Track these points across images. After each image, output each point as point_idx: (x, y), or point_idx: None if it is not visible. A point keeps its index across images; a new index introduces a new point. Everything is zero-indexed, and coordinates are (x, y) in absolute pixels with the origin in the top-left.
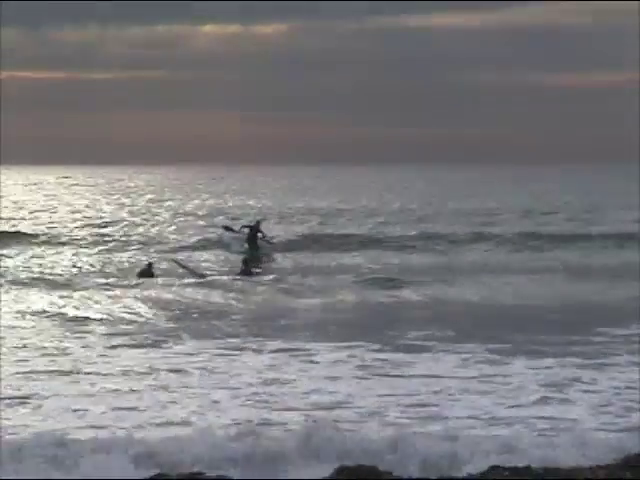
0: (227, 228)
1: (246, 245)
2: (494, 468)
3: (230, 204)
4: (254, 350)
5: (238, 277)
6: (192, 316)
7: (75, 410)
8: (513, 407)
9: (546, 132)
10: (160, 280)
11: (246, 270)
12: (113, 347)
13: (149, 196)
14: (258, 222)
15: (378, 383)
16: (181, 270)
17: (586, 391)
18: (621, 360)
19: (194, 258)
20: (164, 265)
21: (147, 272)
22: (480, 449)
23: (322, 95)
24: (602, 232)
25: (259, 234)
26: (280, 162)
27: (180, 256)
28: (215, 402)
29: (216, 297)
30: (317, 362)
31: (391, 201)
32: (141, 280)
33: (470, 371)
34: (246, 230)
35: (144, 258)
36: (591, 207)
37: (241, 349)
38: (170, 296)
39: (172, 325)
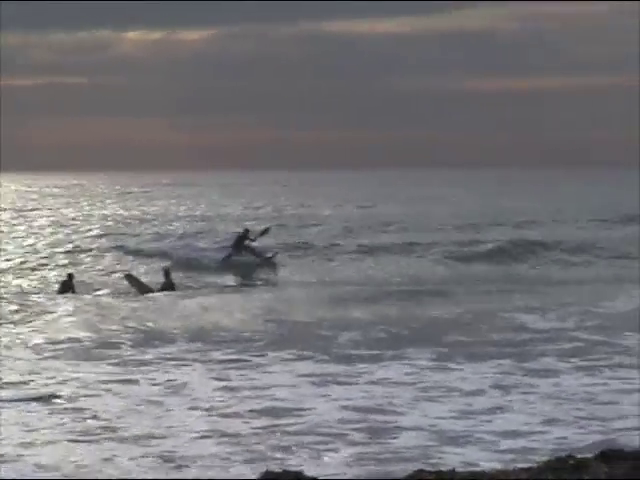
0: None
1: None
2: (419, 472)
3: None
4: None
5: (159, 292)
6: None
7: None
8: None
9: (472, 136)
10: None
11: (166, 284)
12: None
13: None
14: (246, 230)
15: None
16: (131, 286)
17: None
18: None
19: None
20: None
21: (68, 285)
22: (407, 455)
23: (247, 100)
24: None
25: (247, 242)
26: (206, 167)
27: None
28: None
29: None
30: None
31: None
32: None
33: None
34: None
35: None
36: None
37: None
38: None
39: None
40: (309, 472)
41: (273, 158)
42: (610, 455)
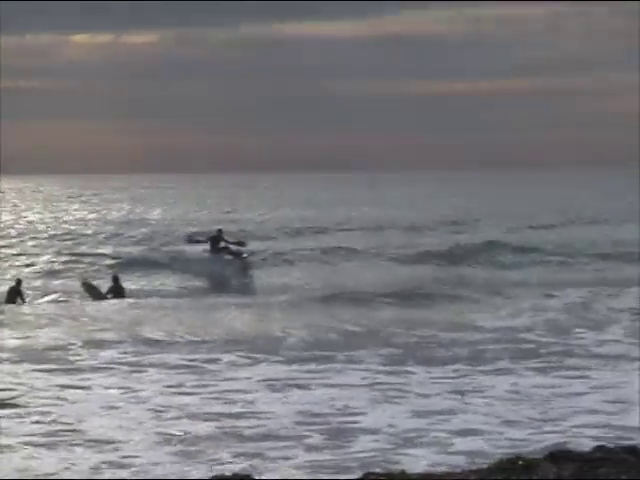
0: (191, 239)
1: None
2: (369, 474)
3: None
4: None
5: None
6: None
7: None
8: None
9: (416, 139)
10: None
11: (113, 289)
12: None
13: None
14: (220, 230)
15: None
16: (87, 293)
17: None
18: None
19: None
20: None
21: (16, 292)
22: (363, 458)
23: (194, 104)
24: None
25: (222, 243)
26: (150, 170)
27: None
28: None
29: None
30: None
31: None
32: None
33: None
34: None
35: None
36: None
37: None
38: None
39: None
40: (262, 476)
41: (218, 162)
42: (559, 456)
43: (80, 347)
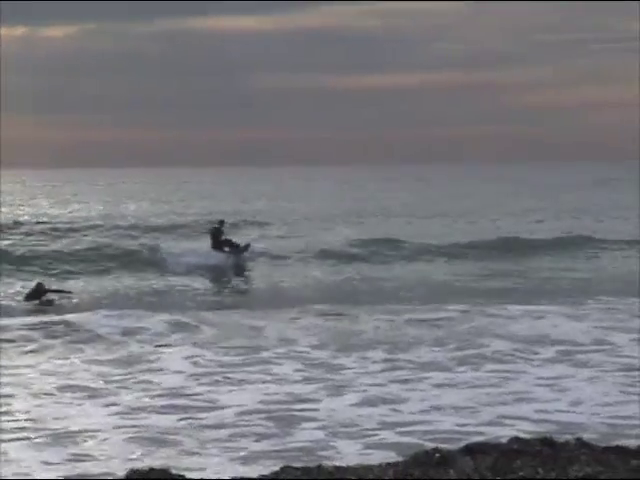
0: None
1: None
2: (285, 468)
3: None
4: None
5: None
6: None
7: None
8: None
9: (334, 133)
10: None
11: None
12: None
13: None
14: (222, 222)
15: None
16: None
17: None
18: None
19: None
20: None
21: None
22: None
23: (114, 97)
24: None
25: (223, 237)
26: (72, 165)
27: None
28: None
29: None
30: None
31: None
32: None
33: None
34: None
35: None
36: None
37: None
38: None
39: None
40: (192, 469)
41: (134, 157)
42: (475, 449)
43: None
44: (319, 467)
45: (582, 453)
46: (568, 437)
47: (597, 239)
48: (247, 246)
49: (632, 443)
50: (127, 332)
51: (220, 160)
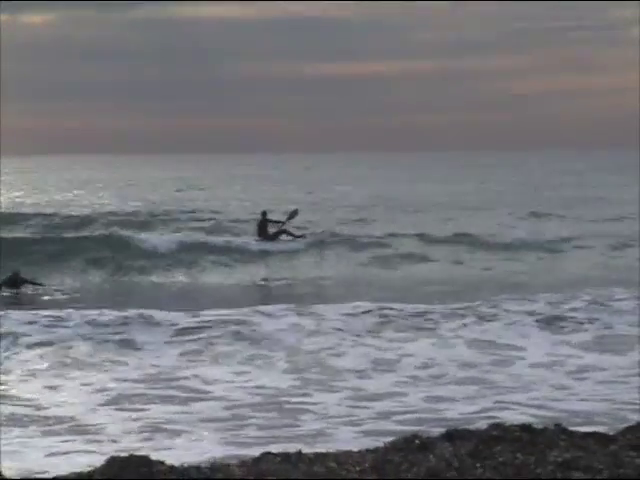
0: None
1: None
2: (265, 454)
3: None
4: None
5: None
6: None
7: None
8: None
9: (306, 121)
10: None
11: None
12: None
13: None
14: (264, 212)
15: None
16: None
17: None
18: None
19: None
20: None
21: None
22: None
23: (92, 85)
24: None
25: (270, 225)
26: (55, 151)
27: None
28: None
29: None
30: None
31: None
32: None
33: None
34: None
35: None
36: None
37: None
38: None
39: None
40: (170, 457)
41: (113, 144)
42: (454, 435)
43: None
44: (299, 453)
45: (561, 439)
46: (548, 423)
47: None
48: (300, 236)
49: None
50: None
51: (195, 147)
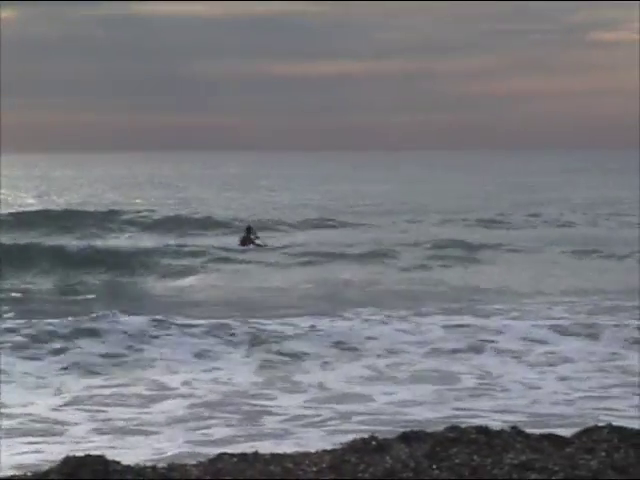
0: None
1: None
2: (222, 455)
3: None
4: None
5: None
6: None
7: None
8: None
9: (275, 120)
10: None
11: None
12: None
13: None
14: (249, 227)
15: None
16: None
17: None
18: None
19: None
20: None
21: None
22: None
23: (54, 81)
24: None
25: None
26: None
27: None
28: None
29: None
30: None
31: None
32: None
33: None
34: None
35: None
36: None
37: None
38: None
39: None
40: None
41: (70, 141)
42: (411, 436)
43: None
44: (255, 454)
45: (517, 441)
46: (504, 426)
47: None
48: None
49: (567, 431)
50: None
51: (150, 144)
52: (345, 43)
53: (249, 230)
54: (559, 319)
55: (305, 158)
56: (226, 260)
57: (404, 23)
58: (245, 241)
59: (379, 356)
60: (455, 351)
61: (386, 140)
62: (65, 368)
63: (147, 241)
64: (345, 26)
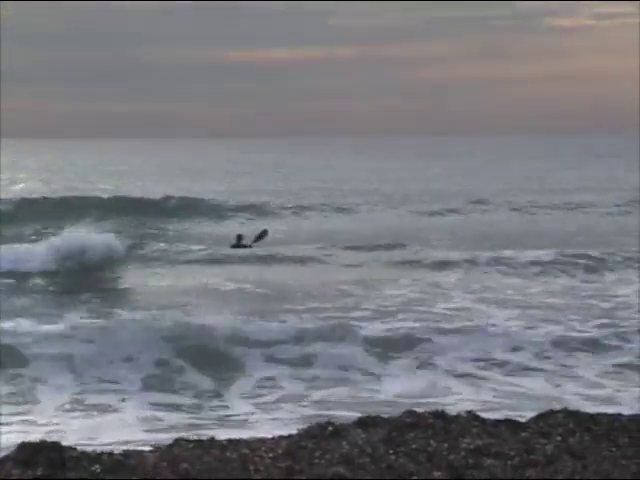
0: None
1: None
2: (179, 440)
3: None
4: None
5: None
6: None
7: None
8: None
9: (226, 106)
10: None
11: None
12: None
13: None
14: (239, 236)
15: None
16: None
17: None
18: None
19: None
20: None
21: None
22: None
23: (11, 70)
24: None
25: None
26: None
27: None
28: None
29: None
30: None
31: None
32: None
33: None
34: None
35: None
36: None
37: None
38: None
39: None
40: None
41: (25, 127)
42: (368, 422)
43: None
44: (212, 440)
45: (474, 426)
46: (460, 411)
47: None
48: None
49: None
50: None
51: (109, 132)
52: (299, 29)
53: (239, 238)
54: None
55: (257, 146)
56: None
57: (357, 9)
58: (237, 247)
59: None
60: None
61: (339, 126)
62: None
63: None
64: (298, 13)
